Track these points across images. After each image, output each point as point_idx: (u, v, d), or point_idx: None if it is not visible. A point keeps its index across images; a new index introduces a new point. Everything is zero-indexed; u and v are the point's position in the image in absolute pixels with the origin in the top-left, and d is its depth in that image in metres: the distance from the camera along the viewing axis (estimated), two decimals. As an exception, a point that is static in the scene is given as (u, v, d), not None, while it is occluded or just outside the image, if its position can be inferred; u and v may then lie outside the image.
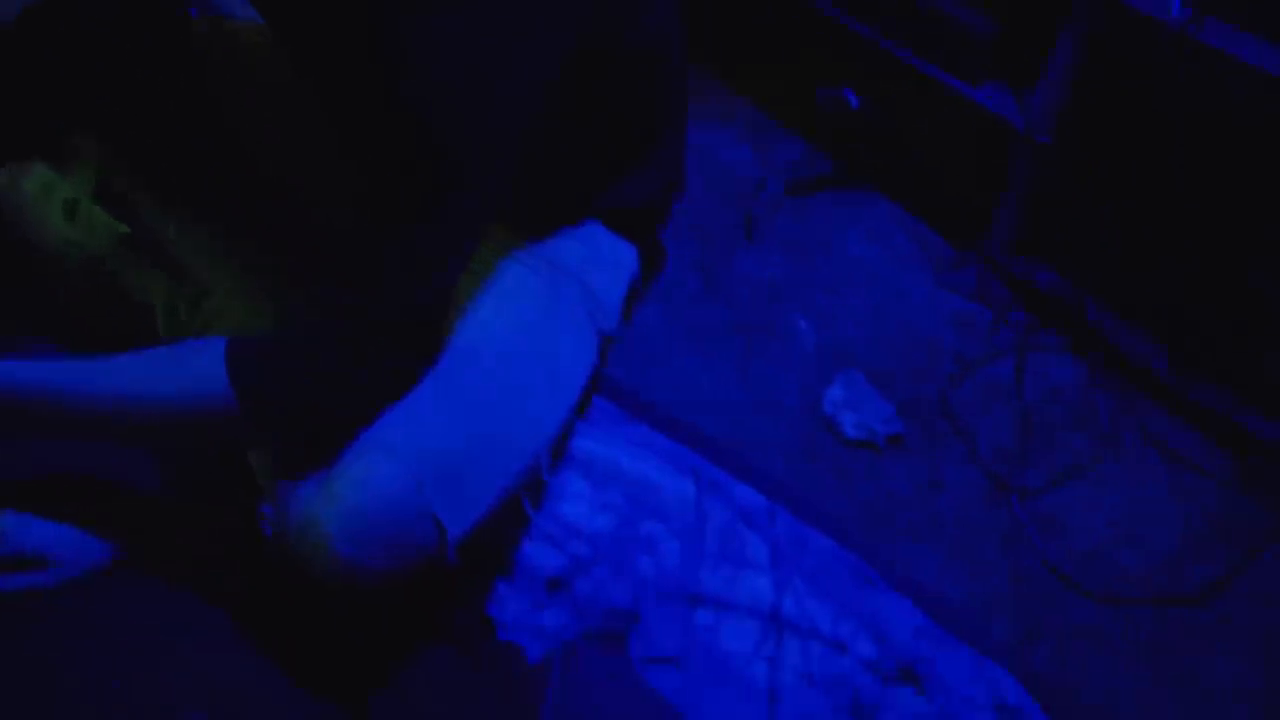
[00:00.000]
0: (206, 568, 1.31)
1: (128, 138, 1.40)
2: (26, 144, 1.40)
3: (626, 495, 1.54)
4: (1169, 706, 1.57)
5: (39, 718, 1.22)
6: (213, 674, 1.26)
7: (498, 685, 1.34)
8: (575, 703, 1.33)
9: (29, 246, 1.39)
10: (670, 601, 1.48)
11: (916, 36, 1.95)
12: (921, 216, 2.08)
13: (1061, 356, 1.95)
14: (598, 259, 1.36)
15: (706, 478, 1.59)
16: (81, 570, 1.28)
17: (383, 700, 1.27)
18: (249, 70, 1.40)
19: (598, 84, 1.16)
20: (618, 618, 1.45)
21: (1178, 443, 1.86)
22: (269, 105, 1.39)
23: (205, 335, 1.10)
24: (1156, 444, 1.86)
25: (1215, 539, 1.76)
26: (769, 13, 2.29)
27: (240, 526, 1.18)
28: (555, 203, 1.33)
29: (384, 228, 1.02)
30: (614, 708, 1.36)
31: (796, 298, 1.96)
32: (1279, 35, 1.54)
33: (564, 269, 1.31)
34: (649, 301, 1.53)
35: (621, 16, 1.12)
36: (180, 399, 1.08)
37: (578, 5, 1.04)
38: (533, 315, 1.26)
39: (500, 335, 1.21)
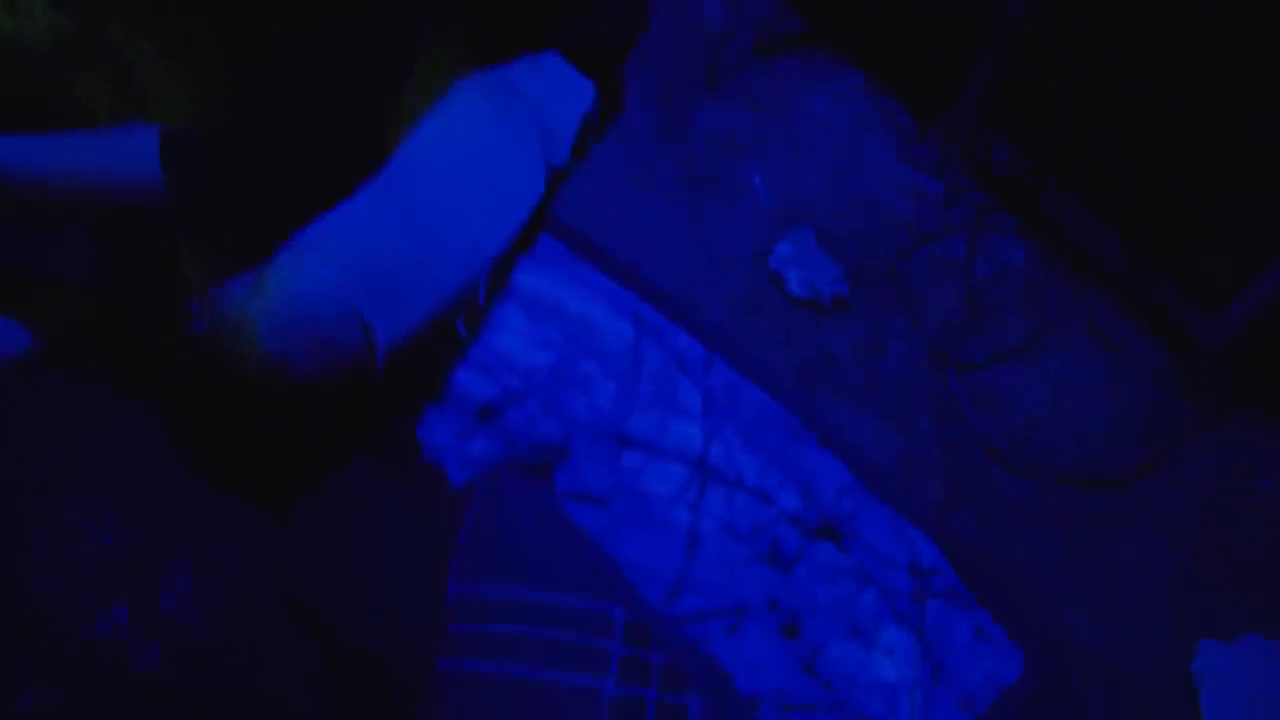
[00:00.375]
0: (133, 361, 1.29)
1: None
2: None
3: (566, 334, 1.53)
4: (1079, 578, 1.62)
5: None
6: (132, 469, 1.25)
7: (420, 504, 1.34)
8: (495, 528, 1.33)
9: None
10: (600, 440, 1.48)
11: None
12: (888, 86, 2.05)
13: (1013, 239, 1.95)
14: (554, 89, 1.33)
15: (647, 322, 1.58)
16: (4, 358, 1.26)
17: (306, 506, 1.27)
18: None
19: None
20: (546, 452, 1.46)
21: (1118, 332, 1.88)
22: None
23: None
24: (1097, 331, 1.88)
25: (1142, 427, 1.80)
26: None
27: (169, 320, 1.17)
28: (514, 30, 1.30)
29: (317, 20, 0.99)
30: (535, 538, 1.37)
31: (755, 153, 1.94)
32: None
33: (518, 94, 1.28)
34: (605, 145, 1.50)
35: None
36: (112, 180, 1.06)
37: None
38: (481, 134, 1.23)
39: (446, 150, 1.19)
